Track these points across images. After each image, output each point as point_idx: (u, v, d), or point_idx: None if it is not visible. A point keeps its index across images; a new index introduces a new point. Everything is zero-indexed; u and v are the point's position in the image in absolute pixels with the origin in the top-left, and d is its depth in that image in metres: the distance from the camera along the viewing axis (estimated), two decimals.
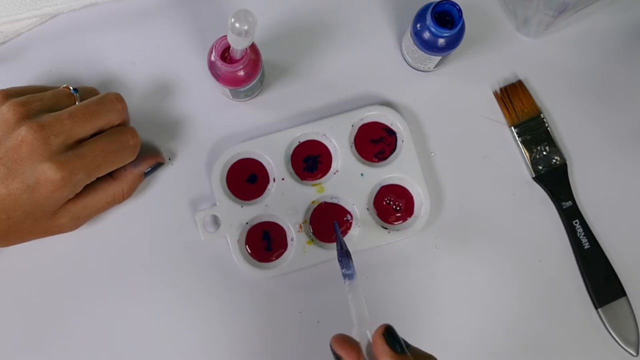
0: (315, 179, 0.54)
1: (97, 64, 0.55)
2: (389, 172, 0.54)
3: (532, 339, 0.55)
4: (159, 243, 0.54)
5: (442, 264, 0.55)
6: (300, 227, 0.52)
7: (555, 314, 0.55)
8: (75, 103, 0.48)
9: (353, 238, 0.53)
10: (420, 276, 0.54)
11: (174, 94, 0.55)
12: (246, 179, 0.54)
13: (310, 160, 0.54)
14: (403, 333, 0.39)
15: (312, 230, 0.53)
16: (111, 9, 0.56)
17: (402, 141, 0.54)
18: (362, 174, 0.53)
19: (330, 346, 0.39)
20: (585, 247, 0.53)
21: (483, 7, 0.56)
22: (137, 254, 0.53)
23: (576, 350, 0.55)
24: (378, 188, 0.54)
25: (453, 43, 0.50)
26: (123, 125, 0.50)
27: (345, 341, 0.38)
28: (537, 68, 0.57)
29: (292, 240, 0.53)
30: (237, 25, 0.41)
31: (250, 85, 0.50)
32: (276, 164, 0.53)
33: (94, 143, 0.47)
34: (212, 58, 0.48)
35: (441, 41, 0.50)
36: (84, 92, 0.50)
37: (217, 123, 0.55)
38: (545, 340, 0.54)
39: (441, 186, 0.55)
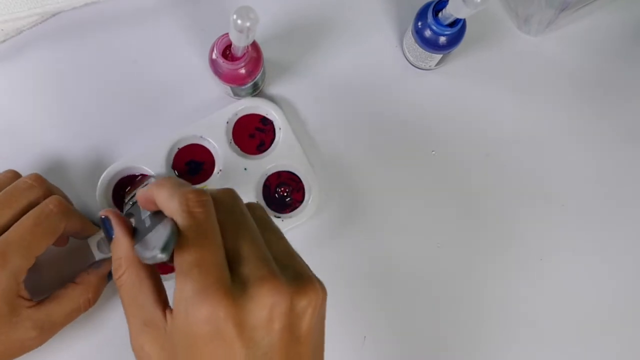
0: (199, 182, 0.54)
1: (98, 62, 0.56)
2: (272, 162, 0.54)
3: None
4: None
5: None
6: None
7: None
8: None
9: None
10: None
11: (174, 91, 0.56)
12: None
13: (193, 164, 0.55)
14: None
15: None
16: (113, 7, 0.56)
17: (280, 129, 0.55)
18: (245, 169, 0.54)
19: (99, 217, 0.43)
20: None
21: None
22: None
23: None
24: (264, 179, 0.55)
25: (454, 41, 0.51)
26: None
27: (108, 209, 0.43)
28: (537, 66, 0.58)
29: None
30: (239, 22, 0.41)
31: (251, 83, 0.51)
32: (160, 175, 0.54)
33: (17, 225, 0.46)
34: (214, 56, 0.49)
35: (442, 39, 0.51)
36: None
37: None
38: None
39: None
